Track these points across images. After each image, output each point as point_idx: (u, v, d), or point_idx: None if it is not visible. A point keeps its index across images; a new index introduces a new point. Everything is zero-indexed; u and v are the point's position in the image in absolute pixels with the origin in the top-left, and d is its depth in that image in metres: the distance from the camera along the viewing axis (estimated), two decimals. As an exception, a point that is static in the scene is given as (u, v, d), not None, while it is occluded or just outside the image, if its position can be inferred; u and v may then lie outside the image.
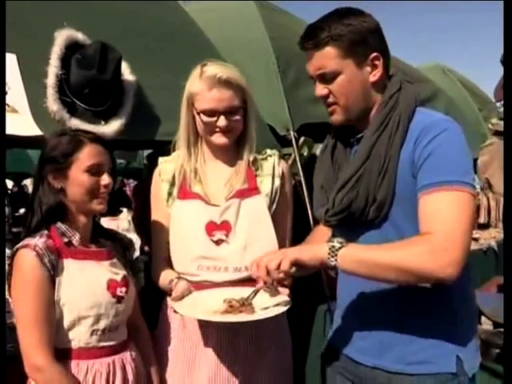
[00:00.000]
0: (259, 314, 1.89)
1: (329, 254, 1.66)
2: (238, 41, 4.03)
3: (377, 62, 1.79)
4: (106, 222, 7.70)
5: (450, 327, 1.77)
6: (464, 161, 1.68)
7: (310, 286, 2.98)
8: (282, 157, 2.50)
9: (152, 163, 3.12)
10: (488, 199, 2.73)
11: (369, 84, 1.81)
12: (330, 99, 1.82)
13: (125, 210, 8.56)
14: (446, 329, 1.77)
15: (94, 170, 1.94)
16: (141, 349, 2.15)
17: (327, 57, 1.76)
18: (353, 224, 1.81)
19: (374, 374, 1.84)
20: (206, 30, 3.70)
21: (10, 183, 12.08)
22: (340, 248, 1.65)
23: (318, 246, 1.73)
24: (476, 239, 6.02)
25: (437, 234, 1.58)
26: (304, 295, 2.64)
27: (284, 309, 1.90)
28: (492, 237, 3.95)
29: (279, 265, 1.71)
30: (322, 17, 1.83)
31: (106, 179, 1.96)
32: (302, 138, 3.91)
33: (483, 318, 5.16)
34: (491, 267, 4.98)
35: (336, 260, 1.65)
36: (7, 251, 4.59)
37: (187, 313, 1.97)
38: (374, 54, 1.78)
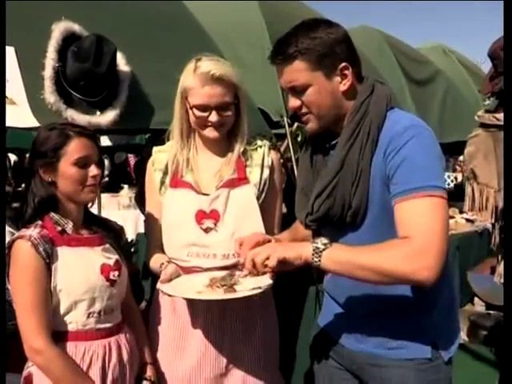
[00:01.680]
0: (241, 293, 1.97)
1: (313, 254, 1.71)
2: (234, 26, 4.07)
3: (346, 72, 1.83)
4: (107, 199, 7.79)
5: (427, 317, 1.88)
6: (434, 165, 1.74)
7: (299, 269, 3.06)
8: (273, 147, 2.57)
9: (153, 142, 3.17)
10: (473, 189, 2.80)
11: (339, 93, 1.85)
12: (303, 110, 1.88)
13: (126, 186, 8.60)
14: (423, 318, 1.88)
15: (82, 163, 2.03)
16: (133, 329, 2.26)
17: (296, 70, 1.81)
18: (332, 227, 1.90)
19: (358, 356, 1.97)
20: (202, 16, 3.73)
21: (13, 157, 12.13)
22: (324, 250, 1.71)
23: (303, 246, 1.76)
24: (472, 221, 6.07)
25: (414, 239, 1.64)
26: (294, 277, 2.73)
27: (265, 287, 1.94)
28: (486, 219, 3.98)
29: (266, 259, 1.76)
30: (290, 30, 1.87)
31: (93, 170, 2.06)
32: (296, 124, 3.96)
33: (476, 298, 5.27)
34: (486, 249, 5.05)
35: (320, 261, 1.71)
36: (7, 228, 4.70)
37: (172, 292, 2.06)
38: (343, 64, 1.82)
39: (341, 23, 1.91)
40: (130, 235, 6.31)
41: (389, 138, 1.77)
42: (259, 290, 1.92)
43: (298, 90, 1.85)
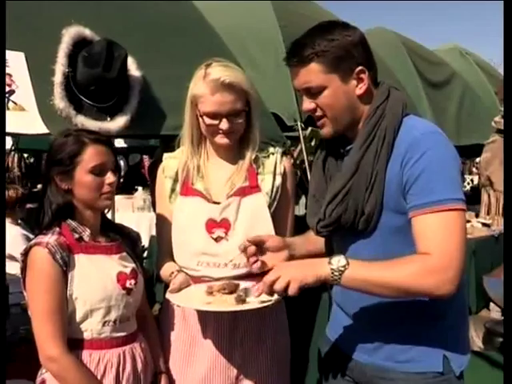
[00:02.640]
0: (251, 304, 1.93)
1: (332, 277, 1.68)
2: (248, 29, 4.05)
3: (362, 76, 1.80)
4: (121, 201, 7.78)
5: (438, 329, 1.83)
6: (452, 175, 1.70)
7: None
8: (286, 153, 2.53)
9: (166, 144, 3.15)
10: (489, 196, 2.75)
11: (355, 97, 1.82)
12: (318, 113, 1.84)
13: (140, 188, 8.59)
14: (434, 331, 1.83)
15: (98, 170, 2.01)
16: (147, 337, 2.24)
17: (312, 72, 1.78)
18: (344, 233, 1.86)
19: (366, 368, 1.91)
20: (214, 19, 3.71)
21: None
22: (342, 271, 1.67)
23: (321, 267, 1.71)
24: (488, 225, 6.00)
25: (433, 254, 1.63)
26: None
27: (276, 298, 1.89)
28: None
29: (285, 286, 1.70)
30: (306, 32, 1.83)
31: (110, 178, 2.04)
32: (310, 129, 3.93)
33: (492, 304, 5.18)
34: (502, 253, 4.97)
35: (340, 281, 1.68)
36: (21, 231, 4.70)
37: (180, 302, 2.04)
38: (360, 68, 1.79)
39: (356, 25, 1.88)
40: (144, 237, 6.27)
41: (406, 145, 1.73)
42: (270, 302, 1.89)
43: (313, 92, 1.81)
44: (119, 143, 7.87)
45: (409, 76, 5.75)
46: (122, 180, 11.50)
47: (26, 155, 12.80)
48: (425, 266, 1.64)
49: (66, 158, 1.99)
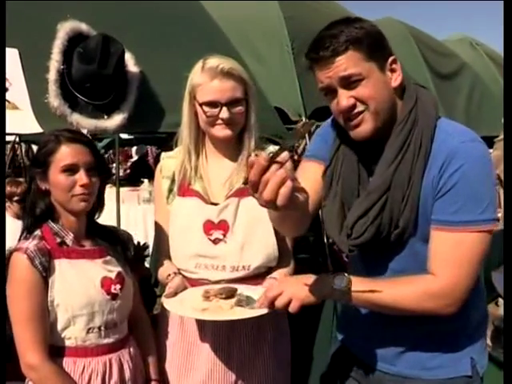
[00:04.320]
0: (248, 312, 1.88)
1: (338, 297, 1.66)
2: (252, 21, 3.97)
3: (395, 66, 1.67)
4: (127, 193, 7.73)
5: (462, 330, 1.77)
6: (486, 193, 1.61)
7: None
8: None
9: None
10: (499, 194, 2.67)
11: (392, 89, 1.68)
12: (358, 108, 1.66)
13: (146, 180, 8.52)
14: (459, 332, 1.76)
15: (70, 170, 1.94)
16: (141, 342, 2.19)
17: (351, 60, 1.62)
18: (375, 250, 1.76)
19: (385, 378, 1.84)
20: (216, 11, 3.64)
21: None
22: (346, 292, 1.62)
23: (324, 287, 1.65)
24: (499, 220, 5.90)
25: (439, 277, 1.60)
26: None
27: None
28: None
29: (287, 303, 1.65)
30: (328, 26, 1.69)
31: (83, 179, 1.95)
32: (315, 125, 3.85)
33: (500, 299, 5.11)
34: (511, 249, 4.91)
35: (343, 301, 1.68)
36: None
37: (173, 309, 1.98)
38: (392, 58, 1.67)
39: (364, 15, 1.78)
40: (150, 230, 6.23)
41: (444, 156, 1.62)
42: (265, 311, 1.83)
43: (352, 81, 1.63)
44: (125, 134, 7.78)
45: (417, 67, 5.66)
46: (128, 171, 11.45)
47: (34, 146, 12.78)
48: (427, 288, 1.61)
49: (42, 158, 1.95)
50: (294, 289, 1.67)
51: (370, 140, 1.71)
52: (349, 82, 1.64)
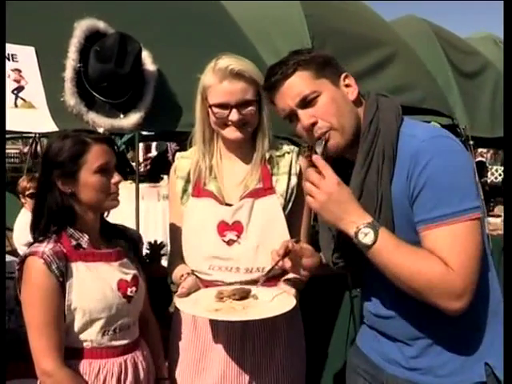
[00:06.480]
0: (258, 314, 1.90)
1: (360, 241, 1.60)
2: (272, 19, 3.92)
3: (348, 81, 1.77)
4: (147, 189, 7.76)
5: (475, 333, 1.72)
6: (460, 183, 1.59)
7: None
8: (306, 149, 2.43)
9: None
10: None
11: (350, 102, 1.76)
12: (320, 125, 1.72)
13: (165, 176, 8.53)
14: (471, 336, 1.72)
15: (104, 170, 1.95)
16: (150, 342, 2.20)
17: (301, 80, 1.73)
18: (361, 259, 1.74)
19: (397, 381, 1.81)
20: (236, 9, 3.61)
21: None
22: (368, 246, 1.59)
23: (350, 228, 1.62)
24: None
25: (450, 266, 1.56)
26: (327, 281, 2.61)
27: (285, 310, 1.89)
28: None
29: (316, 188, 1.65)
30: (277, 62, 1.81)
31: (116, 177, 1.99)
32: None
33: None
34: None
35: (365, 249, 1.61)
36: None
37: (186, 309, 1.99)
38: (345, 74, 1.77)
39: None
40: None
41: (408, 157, 1.63)
42: (281, 312, 1.86)
43: (309, 101, 1.72)
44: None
45: (440, 65, 5.57)
46: (148, 167, 11.49)
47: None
48: (442, 268, 1.54)
49: (69, 160, 1.92)
50: (327, 202, 1.64)
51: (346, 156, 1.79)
52: (306, 103, 1.72)
